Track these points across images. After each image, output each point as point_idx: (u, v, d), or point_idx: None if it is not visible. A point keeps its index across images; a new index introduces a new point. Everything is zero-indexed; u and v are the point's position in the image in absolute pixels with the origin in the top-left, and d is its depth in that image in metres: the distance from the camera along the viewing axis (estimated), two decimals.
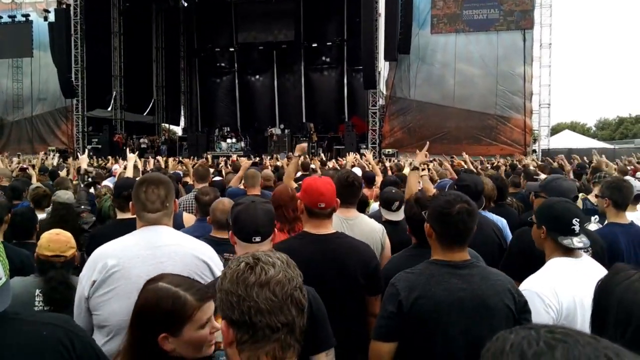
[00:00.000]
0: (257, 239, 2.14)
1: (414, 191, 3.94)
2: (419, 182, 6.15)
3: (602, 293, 1.60)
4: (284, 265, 1.27)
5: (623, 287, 1.52)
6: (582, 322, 2.22)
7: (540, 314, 2.21)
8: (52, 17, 23.25)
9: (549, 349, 0.69)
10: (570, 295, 2.24)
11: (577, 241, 2.36)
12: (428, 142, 4.56)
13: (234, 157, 13.07)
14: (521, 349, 0.71)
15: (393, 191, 4.05)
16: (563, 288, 2.25)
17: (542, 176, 6.85)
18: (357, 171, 6.98)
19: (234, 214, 2.20)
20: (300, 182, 4.65)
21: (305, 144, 4.95)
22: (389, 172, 8.25)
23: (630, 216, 3.85)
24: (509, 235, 4.01)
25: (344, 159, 13.73)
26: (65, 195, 4.39)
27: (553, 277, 2.32)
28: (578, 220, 2.38)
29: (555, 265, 2.39)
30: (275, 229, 2.28)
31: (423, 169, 7.24)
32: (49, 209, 5.28)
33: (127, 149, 7.87)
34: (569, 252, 2.38)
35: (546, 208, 2.54)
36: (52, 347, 1.66)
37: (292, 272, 1.28)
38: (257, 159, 13.66)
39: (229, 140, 24.37)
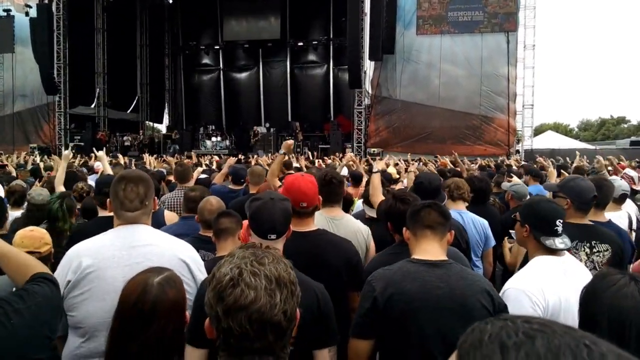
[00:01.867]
0: (273, 236, 2.13)
1: (378, 193, 4.02)
2: (404, 181, 6.22)
3: (590, 299, 1.60)
4: (271, 287, 1.19)
5: (611, 293, 1.53)
6: (565, 320, 2.25)
7: (528, 312, 2.22)
8: (33, 12, 22.86)
9: (529, 339, 0.69)
10: (556, 294, 2.26)
11: (559, 242, 2.39)
12: (405, 158, 4.64)
13: (216, 158, 12.97)
14: (500, 339, 0.70)
15: None
16: (549, 286, 2.28)
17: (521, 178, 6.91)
18: (344, 170, 7.00)
19: (252, 209, 2.18)
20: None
21: (292, 141, 4.90)
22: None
23: (613, 215, 3.90)
24: (490, 235, 4.05)
25: (329, 158, 13.76)
26: (39, 197, 4.28)
27: (540, 276, 2.34)
28: (561, 221, 2.41)
29: (540, 264, 2.41)
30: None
31: (406, 169, 7.32)
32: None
33: (95, 149, 7.74)
34: (552, 251, 2.40)
35: (530, 207, 2.56)
36: None
37: (279, 294, 1.19)
38: (242, 156, 13.60)
39: (213, 139, 24.26)
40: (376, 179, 4.17)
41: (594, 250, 3.09)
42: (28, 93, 24.83)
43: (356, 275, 2.67)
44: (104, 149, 5.78)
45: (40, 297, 1.74)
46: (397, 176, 7.33)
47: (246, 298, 1.17)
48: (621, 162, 9.55)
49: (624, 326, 1.47)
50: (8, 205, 5.09)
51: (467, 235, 3.69)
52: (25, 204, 5.50)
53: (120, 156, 7.07)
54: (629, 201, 4.76)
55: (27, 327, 1.67)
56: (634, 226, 4.43)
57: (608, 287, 1.55)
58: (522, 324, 0.72)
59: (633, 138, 34.04)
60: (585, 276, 2.41)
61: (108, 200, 2.36)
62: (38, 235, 2.82)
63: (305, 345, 1.89)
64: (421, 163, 11.19)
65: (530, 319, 0.74)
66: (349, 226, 3.25)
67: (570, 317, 2.23)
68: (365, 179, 6.47)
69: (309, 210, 2.69)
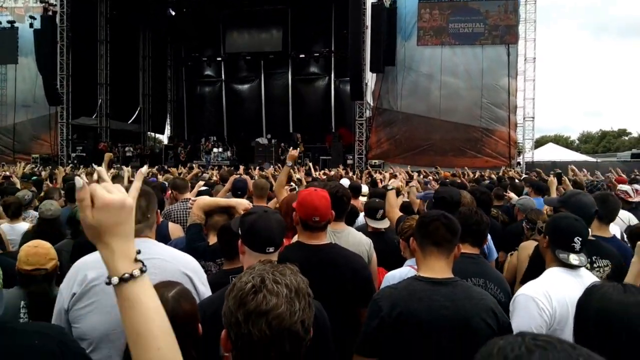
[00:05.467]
0: (271, 249, 2.12)
1: (394, 208, 4.07)
2: (405, 194, 6.23)
3: (580, 308, 1.65)
4: (291, 295, 1.23)
5: (597, 298, 1.57)
6: (570, 331, 2.28)
7: (535, 317, 2.28)
8: (37, 23, 23.02)
9: (528, 353, 0.78)
10: (563, 300, 2.31)
11: (574, 258, 2.44)
12: (406, 170, 4.69)
13: (215, 172, 12.90)
14: (505, 353, 0.80)
15: (377, 200, 4.16)
16: (556, 293, 2.33)
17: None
18: (345, 182, 7.00)
19: (248, 223, 2.16)
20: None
21: (296, 152, 4.93)
22: (380, 185, 8.25)
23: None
24: (492, 247, 4.06)
25: (331, 170, 13.78)
26: (48, 212, 4.26)
27: (547, 283, 2.41)
28: (580, 239, 2.47)
29: (550, 274, 2.49)
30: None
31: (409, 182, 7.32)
32: (28, 219, 5.18)
33: (94, 164, 7.71)
34: (567, 265, 2.47)
35: (553, 220, 2.68)
36: (42, 356, 1.65)
37: (298, 303, 1.23)
38: (243, 167, 13.54)
39: (215, 150, 24.28)
40: (392, 196, 4.23)
41: (594, 265, 3.11)
42: (30, 103, 24.86)
43: (366, 291, 2.67)
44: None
45: None
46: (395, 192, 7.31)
47: (267, 304, 1.20)
48: (621, 176, 9.52)
49: (610, 327, 1.49)
50: (7, 217, 5.11)
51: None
52: (28, 214, 5.52)
53: (125, 168, 7.05)
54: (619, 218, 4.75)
55: None
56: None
57: (597, 294, 1.58)
58: (529, 340, 0.80)
59: (634, 150, 33.98)
60: None
61: None
62: (43, 251, 2.80)
63: None
64: (422, 175, 11.20)
65: (538, 337, 0.81)
66: (350, 239, 3.28)
67: None
68: (364, 190, 6.51)
69: (321, 224, 2.71)
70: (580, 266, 2.46)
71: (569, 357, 0.75)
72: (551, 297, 2.32)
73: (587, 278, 2.47)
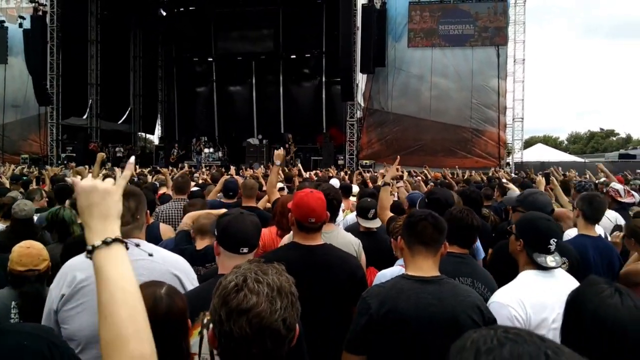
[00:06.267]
0: (245, 250, 2.15)
1: (386, 206, 4.09)
2: (395, 194, 6.27)
3: (574, 305, 1.66)
4: (272, 294, 1.25)
5: (595, 302, 1.57)
6: (547, 332, 2.30)
7: (506, 324, 2.28)
8: (27, 23, 22.84)
9: (499, 346, 0.80)
10: (539, 304, 2.32)
11: (551, 260, 2.44)
12: (399, 157, 4.71)
13: (206, 173, 12.88)
14: (477, 346, 0.82)
15: (369, 200, 4.18)
16: (530, 298, 2.33)
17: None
18: (335, 182, 7.04)
19: (223, 224, 2.19)
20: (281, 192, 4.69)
21: (282, 151, 4.99)
22: (370, 185, 8.31)
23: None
24: (479, 247, 4.11)
25: (321, 171, 13.80)
26: (22, 213, 4.15)
27: (520, 290, 2.40)
28: (555, 240, 2.47)
29: (524, 279, 2.48)
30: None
31: (398, 181, 7.37)
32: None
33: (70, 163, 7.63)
34: (541, 267, 2.46)
35: (527, 223, 2.62)
36: (32, 357, 1.66)
37: (279, 302, 1.25)
38: (234, 168, 13.54)
39: (206, 150, 24.18)
40: (385, 193, 4.23)
41: None
42: (20, 103, 24.63)
43: (360, 290, 2.69)
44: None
45: None
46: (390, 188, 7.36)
47: (248, 302, 1.23)
48: (617, 175, 9.60)
49: (604, 335, 1.51)
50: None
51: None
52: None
53: (117, 169, 7.00)
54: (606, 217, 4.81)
55: None
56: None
57: (593, 296, 1.61)
58: (501, 333, 0.83)
59: (622, 151, 34.42)
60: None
61: None
62: (35, 252, 2.80)
63: None
64: (412, 176, 11.24)
65: (509, 330, 0.84)
66: (339, 239, 3.31)
67: (554, 328, 2.27)
68: (355, 190, 6.56)
69: (317, 226, 2.74)
70: (557, 267, 2.46)
71: (537, 349, 0.78)
72: (524, 304, 2.31)
73: (562, 278, 2.49)
